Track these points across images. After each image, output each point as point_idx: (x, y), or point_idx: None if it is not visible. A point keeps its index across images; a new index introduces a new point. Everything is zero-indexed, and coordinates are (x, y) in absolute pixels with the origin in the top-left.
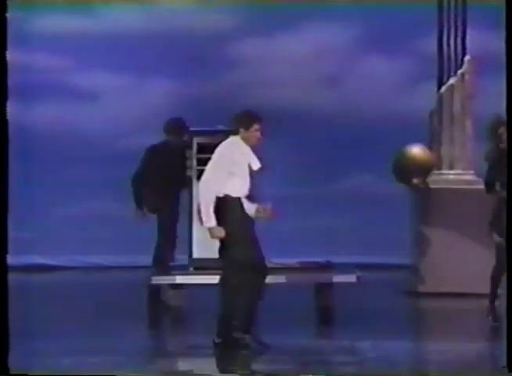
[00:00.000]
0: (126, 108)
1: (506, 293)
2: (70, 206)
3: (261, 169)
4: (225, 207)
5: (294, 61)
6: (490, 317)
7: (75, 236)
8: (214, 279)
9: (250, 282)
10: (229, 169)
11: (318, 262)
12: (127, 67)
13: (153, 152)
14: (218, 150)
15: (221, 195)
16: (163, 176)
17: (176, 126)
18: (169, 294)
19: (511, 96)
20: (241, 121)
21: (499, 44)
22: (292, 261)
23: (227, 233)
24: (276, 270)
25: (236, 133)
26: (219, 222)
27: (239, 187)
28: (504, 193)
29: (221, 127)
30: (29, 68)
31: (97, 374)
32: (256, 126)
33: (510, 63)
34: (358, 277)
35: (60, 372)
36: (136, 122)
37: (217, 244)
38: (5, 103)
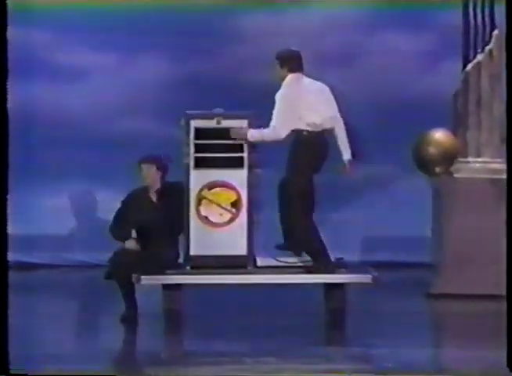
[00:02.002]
0: (115, 89)
1: (506, 293)
2: (52, 197)
3: None
4: None
5: (303, 37)
6: None
7: (56, 230)
8: (214, 278)
9: None
10: None
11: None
12: (115, 44)
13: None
14: None
15: None
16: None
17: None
18: (163, 296)
19: (511, 96)
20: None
21: None
22: (299, 259)
23: None
24: (281, 269)
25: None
26: None
27: None
28: None
29: (220, 110)
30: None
31: (97, 374)
32: None
33: (509, 64)
34: (373, 277)
35: (60, 372)
36: (127, 104)
37: (215, 239)
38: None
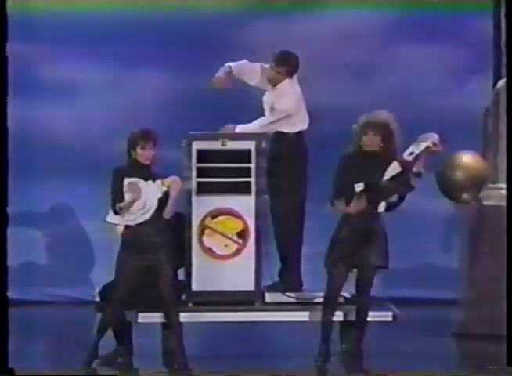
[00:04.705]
0: (111, 107)
1: (506, 293)
2: (38, 227)
3: None
4: None
5: (316, 50)
6: None
7: (44, 264)
8: (218, 316)
9: None
10: None
11: (344, 296)
12: (112, 58)
13: None
14: None
15: None
16: None
17: None
18: (163, 336)
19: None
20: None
21: None
22: (311, 294)
23: None
24: (292, 306)
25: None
26: None
27: None
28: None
29: (232, 126)
30: None
31: (97, 374)
32: None
33: (510, 64)
34: (394, 315)
35: (60, 372)
36: (123, 124)
37: (220, 273)
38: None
